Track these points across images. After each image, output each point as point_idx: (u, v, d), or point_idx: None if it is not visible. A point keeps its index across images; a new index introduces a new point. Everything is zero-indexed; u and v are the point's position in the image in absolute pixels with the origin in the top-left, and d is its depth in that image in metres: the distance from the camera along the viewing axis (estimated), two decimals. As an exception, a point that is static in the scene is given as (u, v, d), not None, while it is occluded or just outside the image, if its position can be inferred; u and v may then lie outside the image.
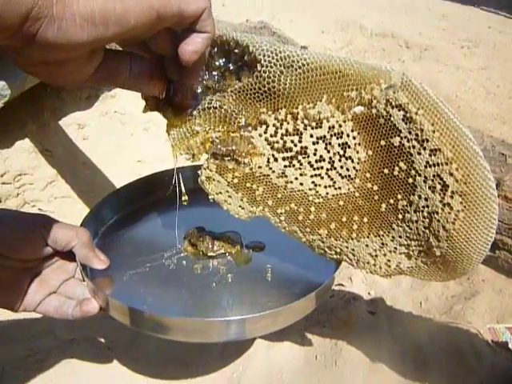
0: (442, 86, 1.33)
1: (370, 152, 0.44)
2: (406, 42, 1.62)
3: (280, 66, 0.44)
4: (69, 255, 0.50)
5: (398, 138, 0.42)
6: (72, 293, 0.50)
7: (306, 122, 0.45)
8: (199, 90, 0.47)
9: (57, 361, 0.81)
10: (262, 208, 0.48)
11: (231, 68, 0.47)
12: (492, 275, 0.86)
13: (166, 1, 0.33)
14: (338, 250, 0.49)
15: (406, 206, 0.44)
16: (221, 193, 0.48)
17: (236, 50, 0.46)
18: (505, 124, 1.20)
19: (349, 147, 0.45)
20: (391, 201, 0.45)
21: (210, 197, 0.48)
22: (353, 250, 0.48)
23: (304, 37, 1.47)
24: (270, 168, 0.47)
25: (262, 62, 0.44)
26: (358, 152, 0.45)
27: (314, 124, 0.45)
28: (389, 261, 0.47)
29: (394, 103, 0.42)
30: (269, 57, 0.44)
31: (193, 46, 0.36)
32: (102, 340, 0.76)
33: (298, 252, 0.53)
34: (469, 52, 1.55)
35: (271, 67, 0.44)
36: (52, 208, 1.19)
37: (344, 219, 0.47)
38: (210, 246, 0.54)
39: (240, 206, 0.49)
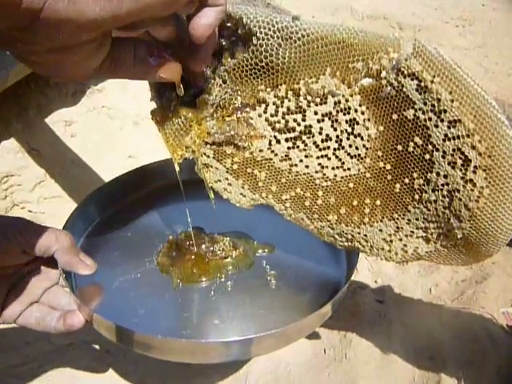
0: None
1: (381, 128, 0.41)
2: (398, 24, 1.58)
3: (278, 38, 0.40)
4: (51, 260, 0.45)
5: (411, 111, 0.39)
6: (56, 302, 0.45)
7: (309, 98, 0.42)
8: None
9: (54, 367, 0.77)
10: (266, 195, 0.45)
11: (224, 44, 0.43)
12: (503, 257, 0.83)
13: None
14: (350, 237, 0.45)
15: (423, 185, 0.40)
16: (220, 180, 0.44)
17: (228, 24, 0.42)
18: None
19: (357, 124, 0.41)
20: (406, 180, 0.41)
21: (208, 185, 0.44)
22: (365, 235, 0.44)
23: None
24: (272, 151, 0.43)
25: (258, 34, 0.40)
26: (367, 128, 0.41)
27: (317, 100, 0.41)
28: (405, 246, 0.43)
29: (406, 72, 0.38)
30: (265, 28, 0.40)
31: (206, 19, 0.33)
32: (100, 344, 0.73)
33: (307, 253, 0.49)
34: (464, 31, 1.52)
35: (268, 40, 0.40)
36: (42, 209, 1.15)
37: (355, 203, 0.43)
38: (209, 249, 0.49)
39: (241, 194, 0.45)
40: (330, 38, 0.40)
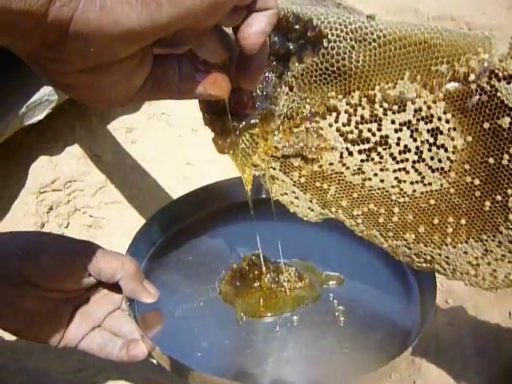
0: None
1: (469, 138, 0.36)
2: (467, 24, 1.49)
3: (351, 39, 0.37)
4: (115, 284, 0.44)
5: (507, 119, 0.34)
6: (118, 328, 0.44)
7: (385, 105, 0.38)
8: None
9: (109, 376, 0.77)
10: (335, 210, 0.41)
11: (291, 48, 0.41)
12: None
13: None
14: (429, 258, 0.41)
15: (520, 203, 0.35)
16: (286, 194, 0.41)
17: (297, 26, 0.39)
18: None
19: (441, 133, 0.37)
20: (498, 197, 0.36)
21: (274, 198, 0.41)
22: (447, 257, 0.40)
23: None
24: (344, 164, 0.39)
25: (330, 36, 0.37)
26: (452, 139, 0.37)
27: (395, 107, 0.38)
28: (495, 271, 0.38)
29: (500, 74, 0.34)
30: (337, 30, 0.37)
31: (257, 26, 0.29)
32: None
33: (377, 286, 0.45)
34: (542, 30, 1.40)
35: (340, 42, 0.37)
36: (102, 214, 1.17)
37: (436, 221, 0.39)
38: (274, 280, 0.46)
39: (309, 208, 0.42)
40: (410, 38, 0.36)
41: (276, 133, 0.39)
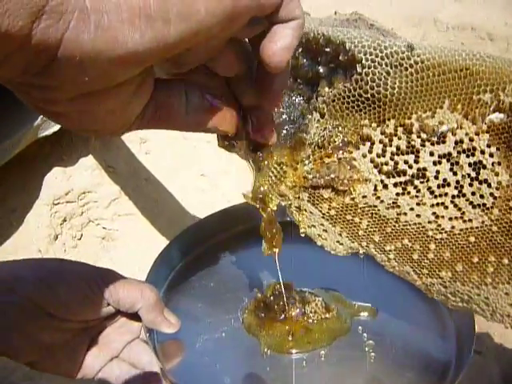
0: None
1: (516, 174, 0.34)
2: (488, 35, 1.46)
3: (386, 65, 0.35)
4: (134, 314, 0.43)
5: (558, 155, 0.32)
6: (137, 360, 0.43)
7: (423, 136, 0.36)
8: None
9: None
10: (366, 244, 0.39)
11: (321, 71, 0.38)
12: None
13: None
14: (466, 298, 0.38)
15: None
16: (314, 226, 0.39)
17: (327, 49, 0.37)
18: None
19: (484, 168, 0.34)
20: (546, 238, 0.34)
21: (301, 231, 0.39)
22: (486, 298, 0.37)
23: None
24: (378, 197, 0.37)
25: (364, 61, 0.35)
26: (497, 174, 0.34)
27: (434, 139, 0.35)
28: (539, 314, 0.36)
29: (551, 108, 0.31)
30: (371, 55, 0.35)
31: (282, 41, 0.25)
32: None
33: (409, 320, 0.43)
34: None
35: (375, 68, 0.35)
36: (116, 226, 1.16)
37: (475, 260, 0.37)
38: (301, 311, 0.44)
39: (338, 242, 0.39)
40: (450, 64, 0.34)
41: (306, 162, 0.37)
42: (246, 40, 0.29)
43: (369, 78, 0.35)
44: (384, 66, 0.35)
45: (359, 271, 0.48)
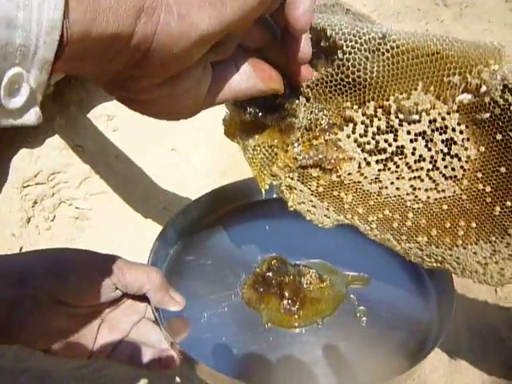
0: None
1: (482, 148, 0.38)
2: (443, 0, 1.50)
3: (365, 50, 0.37)
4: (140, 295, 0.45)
5: (520, 131, 0.36)
6: (146, 338, 0.45)
7: (400, 116, 0.39)
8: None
9: (115, 370, 0.78)
10: (351, 216, 0.43)
11: None
12: None
13: None
14: (440, 259, 0.43)
15: (529, 209, 0.38)
16: (304, 202, 0.42)
17: (309, 35, 0.40)
18: None
19: (455, 143, 0.38)
20: (508, 203, 0.38)
21: (290, 207, 0.42)
22: (457, 258, 0.42)
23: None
24: (362, 174, 0.40)
25: (344, 47, 0.37)
26: (466, 149, 0.38)
27: (410, 118, 0.39)
28: (502, 269, 0.41)
29: (514, 89, 0.35)
30: (351, 41, 0.37)
31: (302, 7, 0.30)
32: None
33: (395, 285, 0.46)
34: (514, 5, 1.43)
35: (355, 53, 0.37)
36: (89, 205, 1.16)
37: (447, 225, 0.41)
38: (297, 283, 0.47)
39: (325, 216, 0.43)
40: (423, 49, 0.37)
41: (296, 144, 0.40)
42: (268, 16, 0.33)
43: (349, 64, 0.38)
44: (363, 51, 0.37)
45: (344, 244, 0.52)
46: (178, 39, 0.24)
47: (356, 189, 0.41)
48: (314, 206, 0.42)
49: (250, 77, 0.33)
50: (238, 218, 0.54)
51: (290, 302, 0.45)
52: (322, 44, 0.39)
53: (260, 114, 0.39)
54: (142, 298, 0.45)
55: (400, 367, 0.40)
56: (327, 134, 0.40)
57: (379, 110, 0.39)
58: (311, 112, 0.40)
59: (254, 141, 0.40)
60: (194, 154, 1.21)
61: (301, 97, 0.40)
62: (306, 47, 0.34)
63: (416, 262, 0.45)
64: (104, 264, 0.42)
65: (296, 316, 0.45)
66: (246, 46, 0.33)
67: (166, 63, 0.25)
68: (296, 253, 0.49)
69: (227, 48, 0.31)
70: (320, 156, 0.40)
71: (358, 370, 0.42)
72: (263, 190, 0.41)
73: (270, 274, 0.47)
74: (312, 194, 0.42)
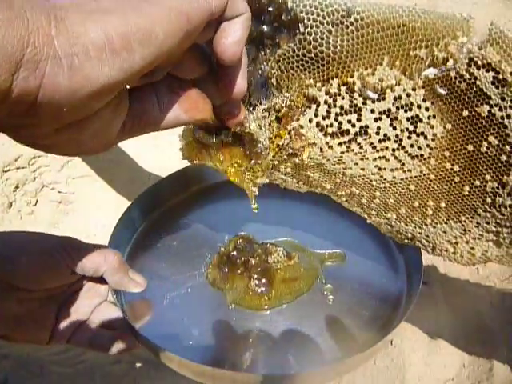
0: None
1: (449, 126, 0.36)
2: None
3: (328, 24, 0.35)
4: (100, 277, 0.44)
5: (486, 107, 0.34)
6: (107, 321, 0.44)
7: (364, 93, 0.37)
8: None
9: (95, 354, 0.78)
10: (321, 190, 0.42)
11: (265, 30, 0.39)
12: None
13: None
14: (410, 235, 0.42)
15: (497, 188, 0.36)
16: (275, 180, 0.42)
17: (270, 8, 0.38)
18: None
19: (420, 121, 0.37)
20: (477, 182, 0.37)
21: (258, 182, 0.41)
22: (427, 236, 0.41)
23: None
24: (324, 157, 0.39)
25: (306, 21, 0.35)
26: (432, 127, 0.37)
27: (375, 96, 0.37)
28: (472, 249, 0.40)
29: (480, 62, 0.33)
30: (313, 14, 0.35)
31: (232, 36, 0.28)
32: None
33: (362, 262, 0.46)
34: None
35: (317, 27, 0.36)
36: (71, 189, 1.14)
37: (416, 204, 0.40)
38: (264, 261, 0.46)
39: (297, 186, 0.43)
40: (388, 21, 0.36)
41: (264, 154, 0.39)
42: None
43: (311, 38, 0.36)
44: (326, 24, 0.35)
45: (312, 221, 0.51)
46: (69, 93, 0.22)
47: (321, 169, 0.40)
48: (285, 181, 0.42)
49: (172, 109, 0.29)
50: (205, 199, 0.53)
51: (257, 282, 0.44)
52: (283, 18, 0.37)
53: (211, 136, 0.37)
54: (103, 280, 0.43)
55: (368, 341, 0.39)
56: (289, 122, 0.38)
57: (343, 88, 0.37)
58: (273, 100, 0.38)
59: (222, 164, 0.39)
60: (177, 137, 1.18)
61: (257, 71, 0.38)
62: (240, 83, 0.31)
63: (389, 236, 0.44)
64: (58, 246, 0.41)
65: (266, 297, 0.44)
66: (175, 76, 0.30)
67: (57, 115, 0.23)
68: (265, 233, 0.48)
69: (152, 77, 0.28)
70: (290, 151, 0.39)
71: (324, 347, 0.41)
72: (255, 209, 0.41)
73: (235, 252, 0.46)
74: (282, 174, 0.41)
